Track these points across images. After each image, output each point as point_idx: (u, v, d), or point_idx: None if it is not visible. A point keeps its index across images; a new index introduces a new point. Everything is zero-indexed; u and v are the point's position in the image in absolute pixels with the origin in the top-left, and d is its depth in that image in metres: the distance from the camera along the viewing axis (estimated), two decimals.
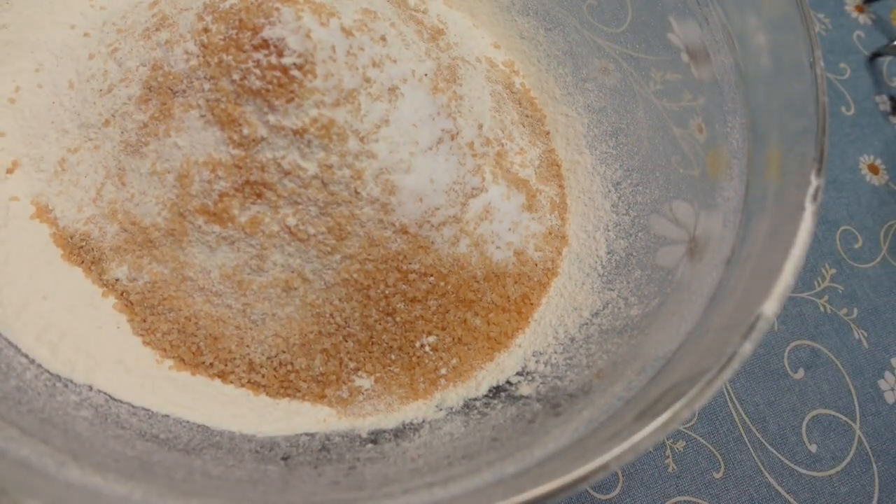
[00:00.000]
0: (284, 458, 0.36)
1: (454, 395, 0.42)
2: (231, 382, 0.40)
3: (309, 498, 0.31)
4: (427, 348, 0.42)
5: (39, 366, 0.37)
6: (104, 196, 0.40)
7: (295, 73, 0.36)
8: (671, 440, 0.50)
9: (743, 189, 0.35)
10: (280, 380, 0.41)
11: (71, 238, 0.40)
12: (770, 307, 0.28)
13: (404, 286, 0.41)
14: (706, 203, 0.38)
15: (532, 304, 0.45)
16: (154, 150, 0.39)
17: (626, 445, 0.26)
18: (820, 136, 0.31)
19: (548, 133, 0.52)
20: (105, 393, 0.37)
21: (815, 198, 0.30)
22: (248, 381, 0.40)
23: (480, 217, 0.44)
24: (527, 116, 0.51)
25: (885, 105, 0.68)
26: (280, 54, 0.36)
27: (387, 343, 0.42)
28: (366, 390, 0.41)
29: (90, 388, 0.37)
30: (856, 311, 0.59)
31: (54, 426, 0.32)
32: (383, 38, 0.40)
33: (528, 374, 0.42)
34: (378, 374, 0.42)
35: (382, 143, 0.39)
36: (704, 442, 0.51)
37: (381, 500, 0.28)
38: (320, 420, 0.40)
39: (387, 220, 0.40)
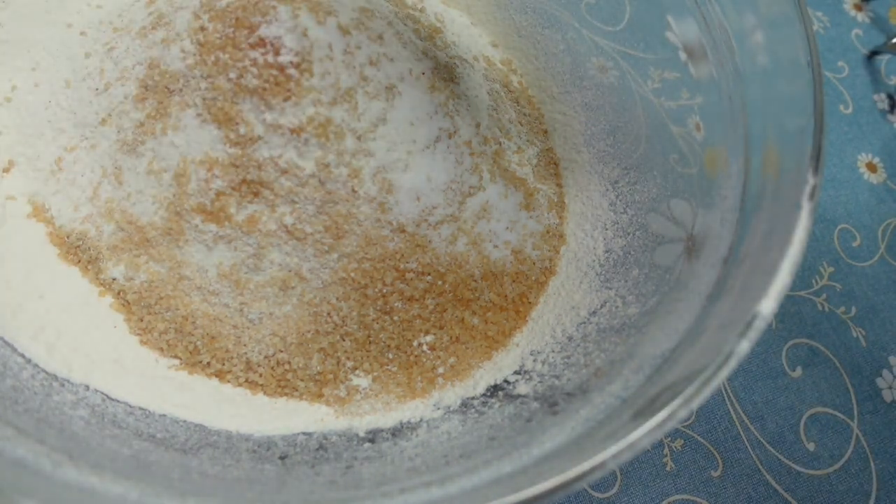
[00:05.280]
0: (282, 458, 0.36)
1: (452, 394, 0.42)
2: (228, 382, 0.40)
3: (306, 497, 0.31)
4: (425, 347, 0.42)
5: (36, 365, 0.37)
6: (101, 195, 0.40)
7: (292, 71, 0.36)
8: (669, 439, 0.50)
9: (740, 187, 0.35)
10: (277, 379, 0.41)
11: (67, 237, 0.40)
12: (767, 306, 0.28)
13: (402, 285, 0.41)
14: (704, 201, 0.38)
15: (530, 302, 0.45)
16: (151, 148, 0.39)
17: (623, 444, 0.26)
18: (818, 134, 0.31)
19: (545, 131, 0.52)
20: (102, 392, 0.37)
21: (811, 196, 0.30)
22: (246, 381, 0.40)
23: (478, 216, 0.44)
24: (524, 115, 0.51)
25: (884, 103, 0.68)
26: (277, 52, 0.35)
27: (384, 342, 0.42)
28: (363, 389, 0.41)
29: (87, 387, 0.37)
30: (854, 309, 0.58)
31: (50, 426, 0.32)
32: (380, 37, 0.40)
33: (525, 372, 0.42)
34: (375, 374, 0.42)
35: (380, 141, 0.39)
36: (702, 440, 0.51)
37: (379, 500, 0.28)
38: (318, 419, 0.40)
39: (384, 218, 0.40)
